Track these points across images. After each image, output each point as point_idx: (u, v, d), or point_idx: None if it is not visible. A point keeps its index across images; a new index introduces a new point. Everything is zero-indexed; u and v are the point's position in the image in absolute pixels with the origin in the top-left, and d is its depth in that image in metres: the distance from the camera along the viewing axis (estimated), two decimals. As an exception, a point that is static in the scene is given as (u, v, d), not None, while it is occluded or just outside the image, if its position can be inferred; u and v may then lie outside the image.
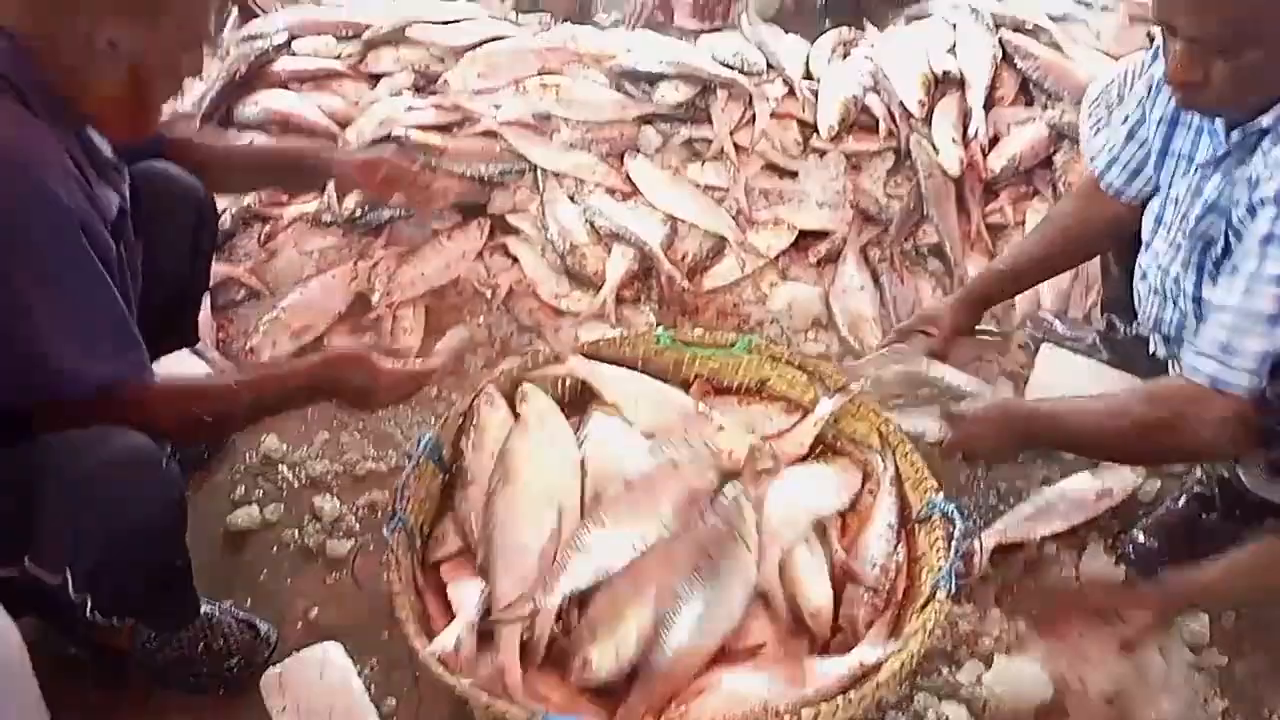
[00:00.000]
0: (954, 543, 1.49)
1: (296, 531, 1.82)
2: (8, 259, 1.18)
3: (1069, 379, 2.03)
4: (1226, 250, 1.49)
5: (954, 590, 1.44)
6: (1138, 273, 1.74)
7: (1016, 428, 1.56)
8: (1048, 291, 2.35)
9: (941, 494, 1.58)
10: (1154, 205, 1.67)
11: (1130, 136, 1.70)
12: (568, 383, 1.79)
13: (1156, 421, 1.44)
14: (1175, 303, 1.62)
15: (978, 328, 1.96)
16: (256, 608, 1.68)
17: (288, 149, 1.83)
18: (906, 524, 1.62)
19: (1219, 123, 1.49)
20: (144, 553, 1.31)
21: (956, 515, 1.53)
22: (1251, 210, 1.38)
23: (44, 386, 1.24)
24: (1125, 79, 1.89)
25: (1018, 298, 2.35)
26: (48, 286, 1.21)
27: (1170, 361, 1.76)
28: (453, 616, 1.45)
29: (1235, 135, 1.45)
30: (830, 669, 1.40)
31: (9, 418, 1.25)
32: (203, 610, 1.58)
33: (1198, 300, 1.58)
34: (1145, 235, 1.68)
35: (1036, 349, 2.24)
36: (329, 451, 1.97)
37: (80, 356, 1.25)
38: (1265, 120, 1.39)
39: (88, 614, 1.32)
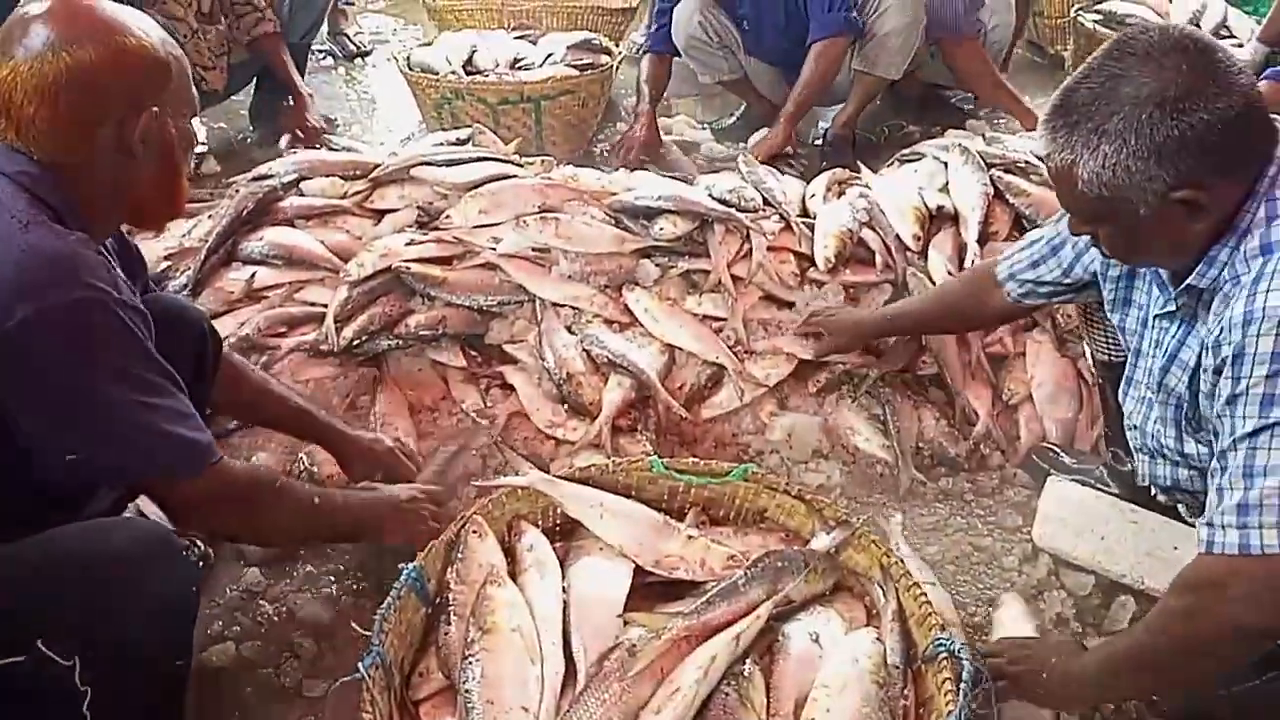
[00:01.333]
0: (962, 685, 1.41)
1: (274, 670, 1.74)
2: (86, 365, 1.26)
3: (1077, 511, 1.97)
4: (1195, 407, 1.50)
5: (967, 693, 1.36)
6: (1127, 424, 1.73)
7: (1077, 694, 1.51)
8: (1051, 423, 2.32)
9: (948, 632, 1.51)
10: (1127, 369, 1.69)
11: (1054, 251, 1.82)
12: (558, 511, 1.74)
13: (1185, 610, 1.32)
14: (1164, 458, 1.61)
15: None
16: (225, 752, 1.59)
17: (314, 420, 1.96)
18: (912, 664, 1.54)
19: (1164, 274, 1.52)
20: (158, 639, 1.30)
21: (965, 655, 1.45)
22: (1218, 372, 1.36)
23: (185, 461, 1.35)
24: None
25: (1022, 429, 2.33)
26: (135, 379, 1.31)
27: (1178, 506, 1.73)
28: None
29: (1179, 294, 1.47)
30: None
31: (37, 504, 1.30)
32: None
33: (1184, 455, 1.59)
34: (1122, 396, 1.70)
35: (1042, 481, 2.19)
36: (311, 585, 1.91)
37: (188, 433, 1.36)
38: (1193, 280, 1.42)
39: (82, 714, 1.25)
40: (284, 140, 3.48)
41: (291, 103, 3.63)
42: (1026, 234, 1.99)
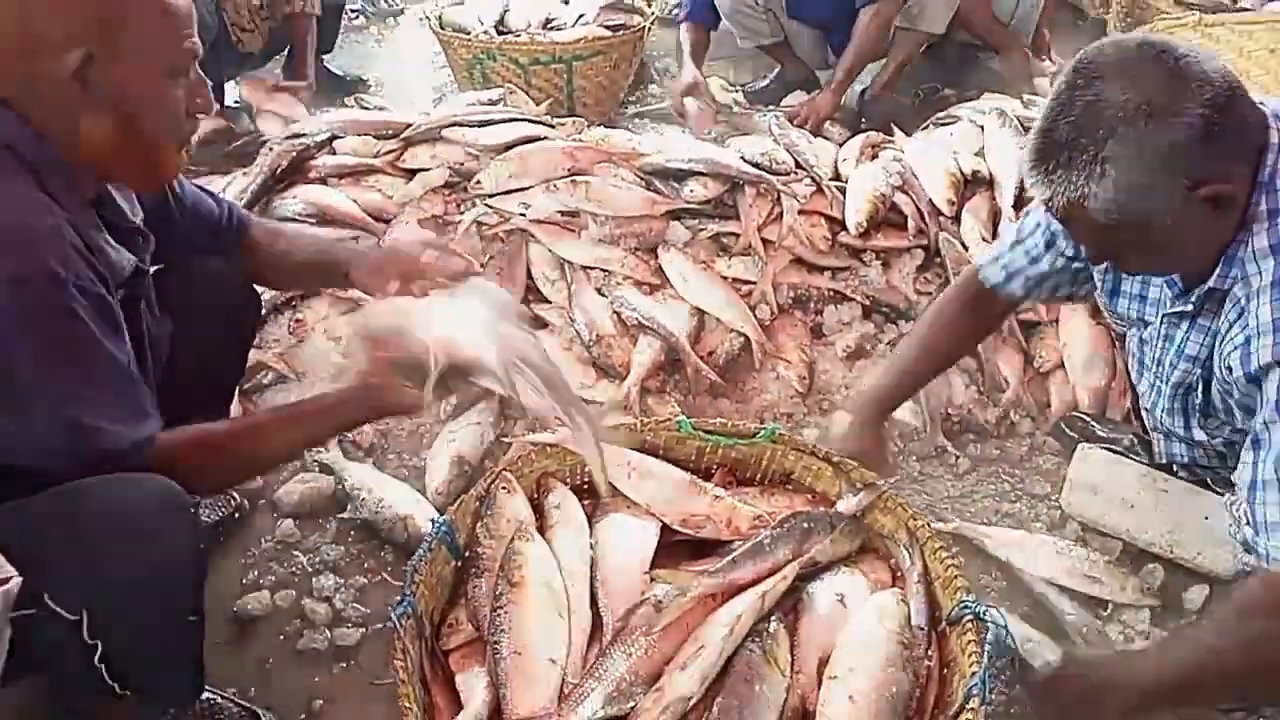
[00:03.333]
0: (988, 647, 1.41)
1: (307, 619, 1.78)
2: (13, 339, 1.19)
3: (1106, 479, 1.96)
4: (1206, 397, 1.49)
5: (989, 699, 1.36)
6: (1142, 406, 1.72)
7: (1113, 705, 1.37)
8: (1083, 392, 2.30)
9: (974, 594, 1.51)
10: (1131, 346, 1.68)
11: (1033, 261, 1.74)
12: (586, 469, 1.75)
13: (1265, 635, 1.27)
14: (1177, 440, 1.62)
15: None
16: (260, 697, 1.63)
17: (322, 254, 1.77)
18: (936, 626, 1.54)
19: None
20: (165, 596, 1.28)
21: (990, 617, 1.45)
22: (1253, 379, 1.34)
23: (84, 451, 1.26)
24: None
25: (1053, 397, 2.31)
26: (58, 363, 1.23)
27: (1206, 479, 1.72)
28: (461, 709, 1.39)
29: (1194, 297, 1.45)
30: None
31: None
32: (204, 696, 1.53)
33: (1194, 441, 1.60)
34: (1133, 375, 1.70)
35: (1072, 449, 2.18)
36: (343, 537, 1.94)
37: (106, 425, 1.27)
38: (1214, 283, 1.40)
39: (95, 666, 1.27)
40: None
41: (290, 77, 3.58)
42: (1003, 232, 1.94)
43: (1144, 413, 1.69)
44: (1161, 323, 1.55)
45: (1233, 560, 1.61)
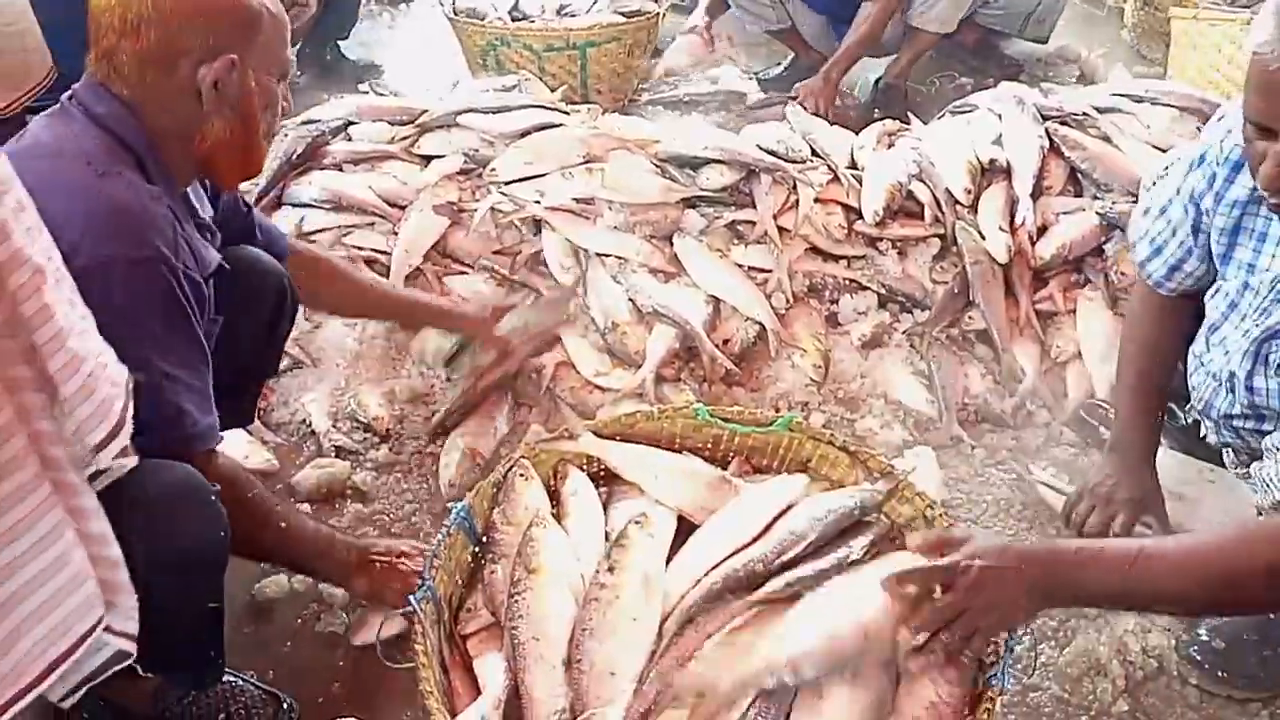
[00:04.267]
0: (1007, 637, 1.41)
1: (324, 603, 1.79)
2: (130, 322, 1.25)
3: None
4: None
5: (1006, 687, 1.36)
6: (1192, 360, 1.70)
7: (1039, 578, 1.31)
8: (1100, 380, 2.29)
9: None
10: (1229, 291, 1.61)
11: (1174, 233, 1.69)
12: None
13: (1268, 568, 1.25)
14: (1231, 390, 1.58)
15: None
16: (279, 680, 1.64)
17: (422, 303, 2.20)
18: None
19: None
20: (188, 583, 1.30)
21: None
22: None
23: (182, 440, 1.35)
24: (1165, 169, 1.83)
25: (1070, 387, 2.30)
26: (169, 348, 1.32)
27: (1223, 450, 1.70)
28: (479, 693, 1.40)
29: None
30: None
31: None
32: (225, 679, 1.54)
33: (1250, 388, 1.54)
34: (1214, 318, 1.64)
35: (1089, 439, 2.18)
36: (361, 523, 1.95)
37: (199, 415, 1.37)
38: None
39: None
40: None
41: None
42: (1133, 237, 1.80)
43: (1202, 357, 1.62)
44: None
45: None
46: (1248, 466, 1.57)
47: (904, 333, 2.41)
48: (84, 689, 1.06)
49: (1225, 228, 1.58)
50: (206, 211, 1.51)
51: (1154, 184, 1.88)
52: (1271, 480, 1.41)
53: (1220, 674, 1.69)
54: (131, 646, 1.06)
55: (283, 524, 1.53)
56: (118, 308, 1.25)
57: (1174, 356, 1.78)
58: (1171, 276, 1.73)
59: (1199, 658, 1.71)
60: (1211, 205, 1.59)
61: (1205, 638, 1.72)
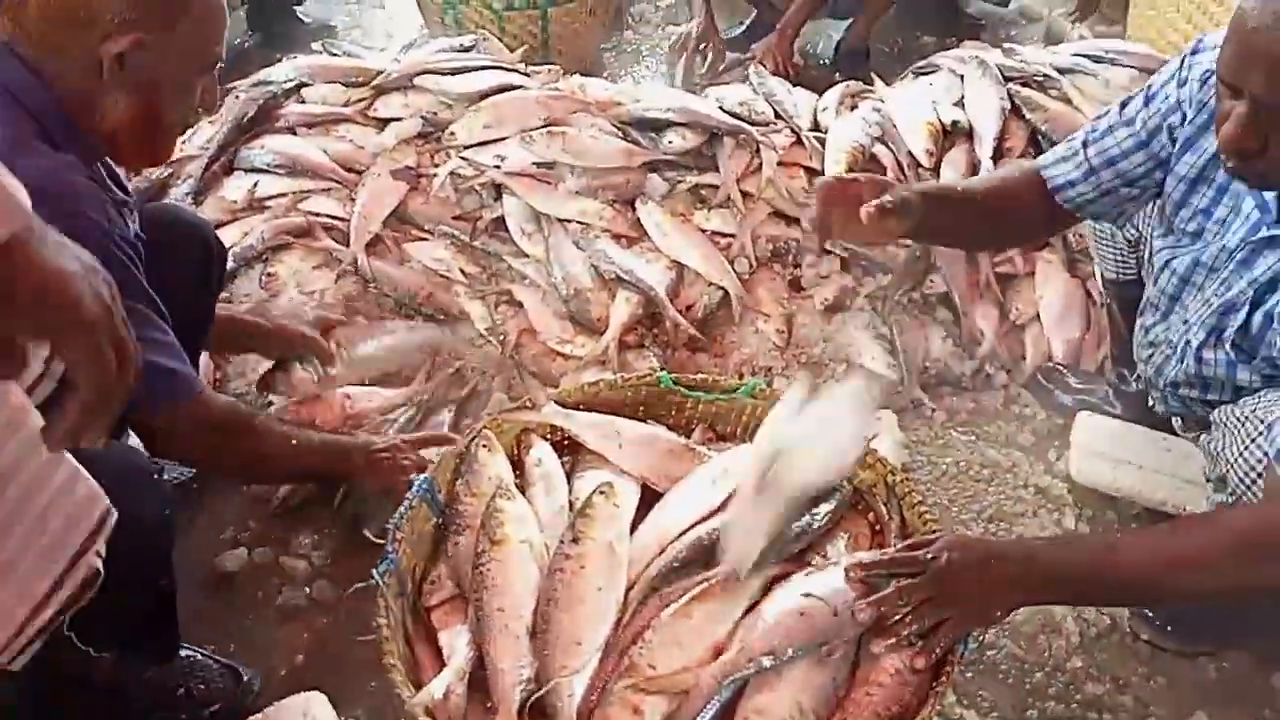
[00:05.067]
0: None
1: (285, 576, 1.77)
2: None
3: (1111, 444, 1.98)
4: (1249, 318, 1.46)
5: (967, 651, 1.38)
6: (1139, 331, 1.71)
7: (1012, 574, 1.30)
8: (1058, 344, 2.32)
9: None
10: (1179, 267, 1.60)
11: (1110, 164, 1.61)
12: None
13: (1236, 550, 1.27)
14: (1181, 359, 1.60)
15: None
16: (240, 653, 1.63)
17: (239, 320, 1.97)
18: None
19: (1269, 196, 1.43)
20: (132, 564, 1.26)
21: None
22: None
23: (171, 394, 1.37)
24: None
25: (1029, 349, 2.33)
26: (131, 313, 1.26)
27: (1171, 418, 1.73)
28: (444, 665, 1.39)
29: None
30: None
31: None
32: (184, 653, 1.53)
33: (1199, 359, 1.56)
34: (1164, 286, 1.64)
35: (1046, 402, 2.21)
36: (322, 495, 1.93)
37: (170, 363, 1.38)
38: None
39: (65, 634, 1.26)
40: None
41: None
42: (1069, 138, 1.70)
43: (1149, 329, 1.63)
44: (1239, 248, 1.47)
45: (1206, 503, 1.63)
46: (1196, 435, 1.59)
47: (866, 296, 2.41)
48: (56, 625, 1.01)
49: (1173, 196, 1.57)
50: (120, 190, 1.45)
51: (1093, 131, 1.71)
52: (1219, 454, 1.44)
53: (1170, 630, 1.74)
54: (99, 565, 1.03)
55: (294, 441, 1.59)
56: None
57: (1005, 210, 1.70)
58: (1095, 203, 1.63)
59: (1150, 615, 1.76)
60: (1180, 145, 1.54)
61: None
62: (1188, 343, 1.57)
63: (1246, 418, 1.42)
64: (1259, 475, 1.38)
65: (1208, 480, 1.52)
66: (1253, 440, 1.39)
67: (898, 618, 1.29)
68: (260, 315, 2.02)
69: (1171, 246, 1.60)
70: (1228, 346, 1.50)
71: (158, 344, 1.35)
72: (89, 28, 1.26)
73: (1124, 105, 1.63)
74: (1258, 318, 1.45)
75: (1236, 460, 1.40)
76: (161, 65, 1.31)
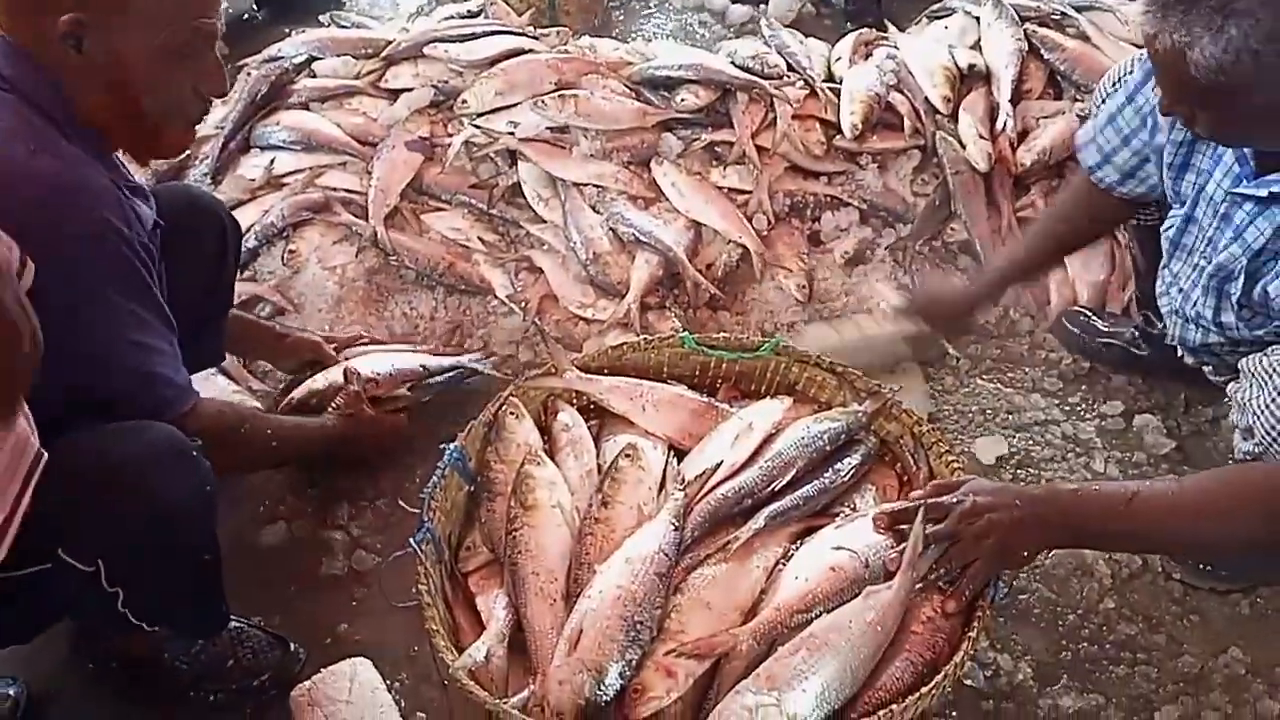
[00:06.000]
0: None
1: (325, 547, 1.81)
2: (92, 300, 1.25)
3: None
4: (1248, 289, 1.47)
5: (998, 596, 1.39)
6: (1159, 287, 1.70)
7: (1038, 516, 1.33)
8: (1083, 287, 2.30)
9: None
10: (1170, 231, 1.62)
11: (1125, 141, 1.67)
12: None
13: (1262, 506, 1.28)
14: (1196, 325, 1.59)
15: None
16: (285, 624, 1.67)
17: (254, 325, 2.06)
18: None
19: (1248, 152, 1.44)
20: (176, 541, 1.31)
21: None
22: None
23: (156, 405, 1.35)
24: (1124, 73, 1.76)
25: (1053, 294, 2.31)
26: (134, 319, 1.31)
27: (1202, 367, 1.72)
28: (483, 629, 1.43)
29: (1275, 181, 1.38)
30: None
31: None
32: (232, 624, 1.57)
33: (1219, 325, 1.56)
34: (1164, 255, 1.65)
35: (1074, 345, 2.20)
36: (354, 468, 1.96)
37: (172, 376, 1.38)
38: None
39: (119, 610, 1.30)
40: None
41: None
42: (1096, 111, 1.77)
43: (1168, 295, 1.65)
44: (1223, 201, 1.49)
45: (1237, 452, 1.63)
46: (1226, 380, 1.58)
47: (886, 248, 2.40)
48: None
49: (1173, 163, 1.59)
50: (133, 174, 1.45)
51: (1103, 101, 1.79)
52: (1247, 403, 1.43)
53: (1203, 568, 1.74)
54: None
55: (274, 444, 1.62)
56: (77, 288, 1.23)
57: (1080, 232, 1.91)
58: (1125, 182, 1.72)
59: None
60: (1164, 138, 1.60)
61: None
62: (1199, 314, 1.58)
63: (1274, 369, 1.42)
64: None
65: (1235, 428, 1.51)
66: None
67: (926, 563, 1.31)
68: (275, 324, 2.12)
69: (1171, 214, 1.63)
70: (1238, 310, 1.51)
71: (151, 349, 1.34)
72: (41, 11, 1.21)
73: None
74: (1257, 291, 1.45)
75: (1264, 411, 1.40)
76: (123, 45, 1.24)
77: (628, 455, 1.57)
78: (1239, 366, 1.49)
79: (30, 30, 1.24)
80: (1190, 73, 1.26)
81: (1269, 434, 1.39)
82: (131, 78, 1.27)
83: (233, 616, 1.57)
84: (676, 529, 1.45)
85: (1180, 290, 1.61)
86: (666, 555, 1.41)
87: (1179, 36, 1.24)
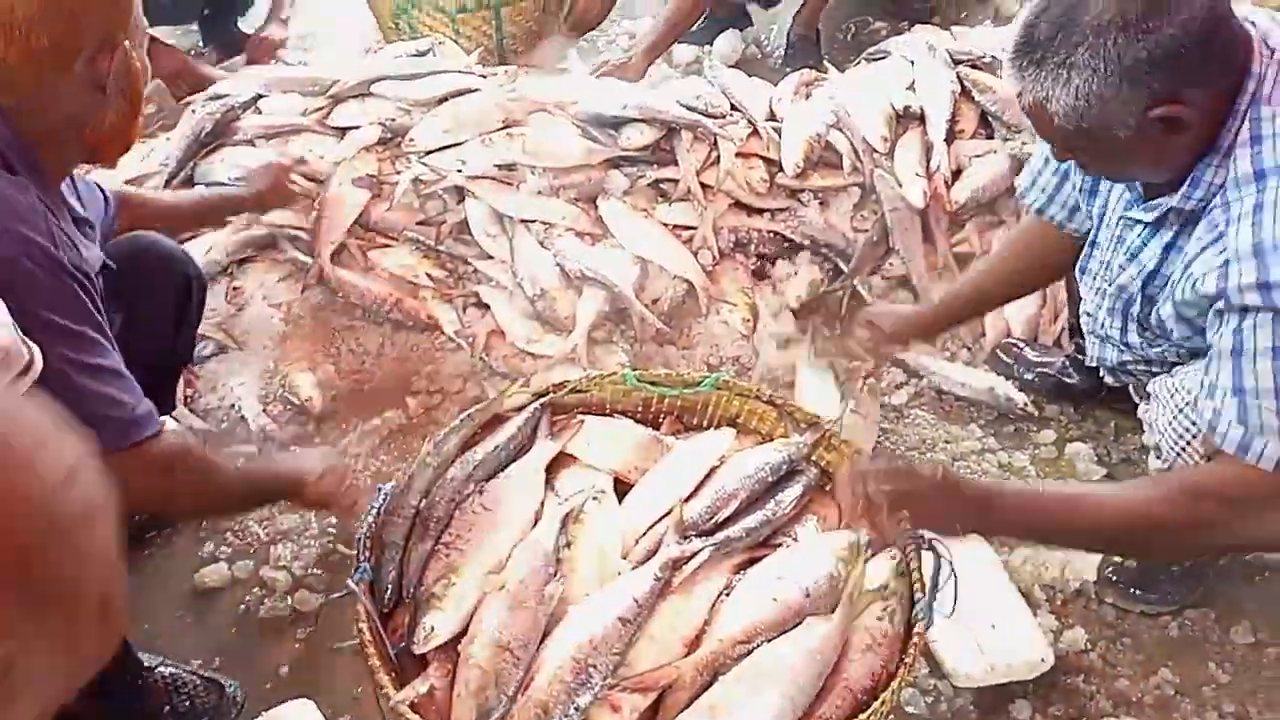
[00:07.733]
0: (933, 575, 1.47)
1: (266, 587, 1.79)
2: (34, 324, 1.15)
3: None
4: (1146, 307, 1.52)
5: (932, 623, 1.42)
6: (1082, 308, 1.76)
7: (970, 506, 1.40)
8: (1016, 319, 2.37)
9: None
10: (1081, 257, 1.68)
11: (1065, 176, 1.72)
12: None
13: (1206, 519, 1.31)
14: (1110, 344, 1.65)
15: None
16: (226, 667, 1.65)
17: (212, 200, 2.16)
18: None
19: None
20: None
21: (936, 546, 1.50)
22: (1223, 298, 1.32)
23: (122, 428, 1.27)
24: None
25: (988, 327, 2.38)
26: (82, 341, 1.24)
27: (1131, 388, 1.78)
28: (426, 664, 1.42)
29: (1159, 212, 1.44)
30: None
31: None
32: (167, 671, 1.54)
33: (1127, 345, 1.62)
34: (1079, 281, 1.71)
35: (1007, 375, 2.26)
36: (296, 507, 1.94)
37: (134, 400, 1.29)
38: (1178, 202, 1.39)
39: None
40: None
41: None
42: (1034, 154, 1.85)
43: (1084, 317, 1.72)
44: (1118, 224, 1.56)
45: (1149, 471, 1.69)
46: (1147, 398, 1.65)
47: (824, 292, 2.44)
48: None
49: (1083, 187, 1.66)
50: (81, 208, 1.42)
51: (1037, 141, 1.90)
52: (1154, 423, 1.49)
53: (1134, 592, 1.80)
54: None
55: (240, 476, 1.54)
56: (15, 312, 1.15)
57: (1039, 278, 1.99)
58: (1073, 217, 1.77)
59: (1114, 578, 1.82)
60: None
61: (1119, 560, 1.82)
62: (1107, 335, 1.63)
63: (1176, 389, 1.49)
64: (1187, 444, 1.45)
65: (1145, 449, 1.57)
66: (1180, 410, 1.46)
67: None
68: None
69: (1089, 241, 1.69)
70: (1141, 331, 1.57)
71: (105, 372, 1.27)
72: (76, 59, 1.24)
73: None
74: (1154, 315, 1.51)
75: (1167, 430, 1.46)
76: (133, 59, 1.31)
77: (595, 499, 1.58)
78: (1148, 388, 1.56)
79: (53, 78, 1.24)
80: (1056, 123, 1.33)
81: (1173, 448, 1.46)
82: (136, 80, 1.32)
83: (167, 662, 1.54)
84: (658, 579, 1.44)
85: (1089, 313, 1.66)
86: (637, 602, 1.40)
87: (1038, 92, 1.32)
